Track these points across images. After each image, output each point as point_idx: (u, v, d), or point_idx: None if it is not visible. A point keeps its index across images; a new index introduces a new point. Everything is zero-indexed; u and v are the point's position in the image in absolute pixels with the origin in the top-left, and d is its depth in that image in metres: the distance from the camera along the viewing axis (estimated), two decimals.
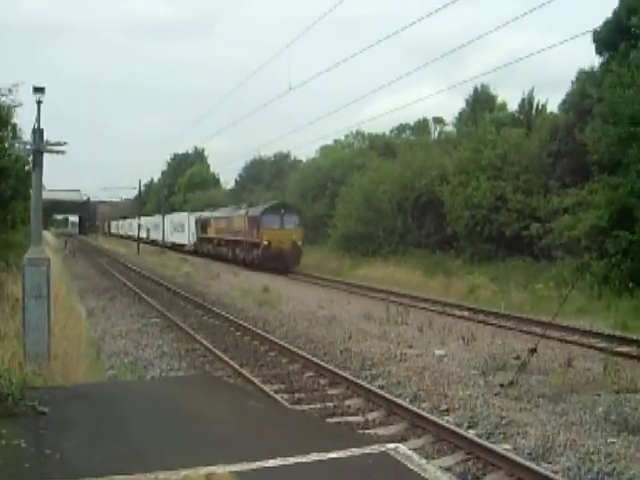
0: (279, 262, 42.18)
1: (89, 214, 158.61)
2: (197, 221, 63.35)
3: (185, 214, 71.17)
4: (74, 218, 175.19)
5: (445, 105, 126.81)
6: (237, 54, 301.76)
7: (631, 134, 26.28)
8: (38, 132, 13.12)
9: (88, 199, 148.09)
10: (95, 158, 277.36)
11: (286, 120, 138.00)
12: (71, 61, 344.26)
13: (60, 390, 9.34)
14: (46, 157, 13.26)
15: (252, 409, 7.15)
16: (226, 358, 16.17)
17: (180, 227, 71.43)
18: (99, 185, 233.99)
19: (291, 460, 4.52)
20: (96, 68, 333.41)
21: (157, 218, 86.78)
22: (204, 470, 4.46)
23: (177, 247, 71.07)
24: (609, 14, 33.45)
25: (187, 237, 67.44)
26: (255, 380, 14.00)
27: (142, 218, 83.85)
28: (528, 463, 9.05)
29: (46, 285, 12.32)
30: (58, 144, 13.47)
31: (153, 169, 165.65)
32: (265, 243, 42.76)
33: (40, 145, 13.03)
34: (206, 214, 61.67)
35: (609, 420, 11.22)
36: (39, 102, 13.38)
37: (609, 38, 33.31)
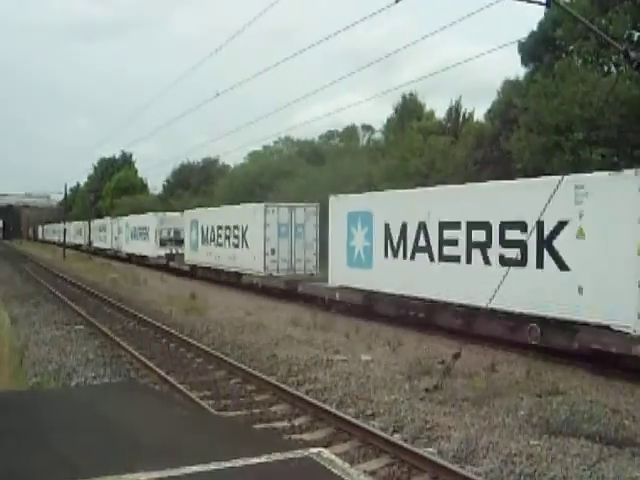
0: None
1: (14, 219, 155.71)
2: None
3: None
4: None
5: (376, 113, 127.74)
6: (167, 58, 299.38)
7: (555, 143, 26.86)
8: None
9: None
10: (18, 161, 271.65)
11: (215, 126, 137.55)
12: None
13: None
14: None
15: (178, 416, 7.09)
16: (152, 365, 16.03)
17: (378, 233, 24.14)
18: (23, 189, 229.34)
19: (214, 466, 4.51)
20: (19, 68, 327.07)
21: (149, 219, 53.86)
22: (125, 477, 4.42)
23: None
24: (535, 26, 34.19)
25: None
26: (181, 387, 13.92)
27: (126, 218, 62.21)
28: (452, 466, 9.17)
29: None
30: None
31: (79, 173, 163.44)
32: None
33: None
34: None
35: (531, 423, 11.43)
36: None
37: (534, 49, 34.02)
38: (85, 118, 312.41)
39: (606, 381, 14.52)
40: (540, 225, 15.91)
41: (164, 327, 21.53)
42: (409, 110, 55.11)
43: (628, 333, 14.07)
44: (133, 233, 57.57)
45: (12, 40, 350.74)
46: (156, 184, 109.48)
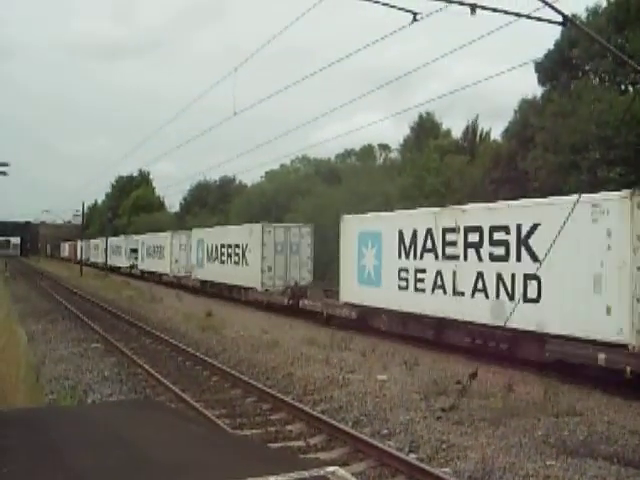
0: None
1: (31, 236, 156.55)
2: None
3: None
4: (15, 240, 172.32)
5: (392, 132, 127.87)
6: (185, 78, 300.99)
7: (572, 162, 26.79)
8: None
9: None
10: (36, 178, 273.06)
11: (232, 144, 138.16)
12: (16, 78, 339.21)
13: None
14: None
15: (193, 434, 7.05)
16: (168, 383, 16.03)
17: None
18: (40, 206, 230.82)
19: None
20: (41, 87, 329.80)
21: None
22: None
23: None
24: (551, 45, 34.24)
25: None
26: (197, 405, 13.91)
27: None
28: None
29: None
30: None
31: (97, 191, 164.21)
32: None
33: None
34: None
35: (548, 443, 11.35)
36: None
37: (551, 68, 34.03)
38: (105, 136, 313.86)
39: (624, 402, 14.41)
40: None
41: (180, 345, 21.55)
42: (425, 129, 55.14)
43: None
44: None
45: (35, 60, 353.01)
46: (173, 202, 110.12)
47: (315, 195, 50.49)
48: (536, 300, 17.18)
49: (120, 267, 71.47)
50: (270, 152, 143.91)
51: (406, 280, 22.27)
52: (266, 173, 76.55)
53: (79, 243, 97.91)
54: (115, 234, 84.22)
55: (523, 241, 17.71)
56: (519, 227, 17.89)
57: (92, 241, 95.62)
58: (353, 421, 12.93)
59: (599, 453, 10.73)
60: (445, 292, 20.60)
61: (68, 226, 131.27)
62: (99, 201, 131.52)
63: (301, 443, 11.69)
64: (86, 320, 28.38)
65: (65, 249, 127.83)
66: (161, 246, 54.80)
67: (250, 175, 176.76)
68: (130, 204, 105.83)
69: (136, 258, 65.03)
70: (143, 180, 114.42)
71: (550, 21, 13.26)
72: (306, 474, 4.76)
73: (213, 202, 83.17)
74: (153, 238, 58.80)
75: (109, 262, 74.04)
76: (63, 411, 10.08)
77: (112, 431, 6.83)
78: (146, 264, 60.71)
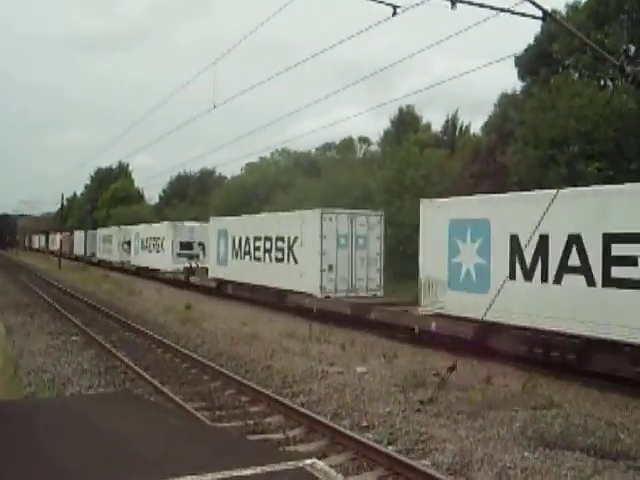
0: None
1: (9, 228, 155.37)
2: None
3: None
4: None
5: (373, 125, 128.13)
6: (173, 70, 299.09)
7: (551, 157, 26.92)
8: None
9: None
10: (13, 169, 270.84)
11: (212, 137, 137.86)
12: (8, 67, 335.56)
13: None
14: None
15: (173, 427, 7.04)
16: (147, 376, 16.00)
17: None
18: (17, 198, 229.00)
19: (209, 477, 4.49)
20: (30, 78, 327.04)
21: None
22: None
23: None
24: (531, 40, 34.41)
25: None
26: (176, 398, 13.89)
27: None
28: (446, 478, 9.16)
29: None
30: None
31: (76, 183, 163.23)
32: None
33: None
34: None
35: (526, 435, 11.42)
36: None
37: (531, 63, 34.19)
38: (84, 128, 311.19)
39: (601, 394, 14.53)
40: None
41: (159, 338, 21.50)
42: (406, 123, 55.22)
43: None
44: None
45: (14, 49, 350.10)
46: (153, 194, 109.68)
47: (295, 188, 50.47)
48: None
49: (158, 270, 49.10)
50: (251, 145, 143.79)
51: None
52: (246, 165, 76.48)
53: (76, 234, 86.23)
54: (94, 226, 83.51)
55: None
56: None
57: (100, 231, 73.43)
58: (332, 413, 12.95)
59: (576, 445, 10.80)
60: None
61: (47, 218, 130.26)
62: (78, 193, 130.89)
63: (280, 435, 11.70)
64: (65, 313, 28.25)
65: (56, 242, 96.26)
66: (280, 238, 29.69)
67: (230, 167, 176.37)
68: (109, 196, 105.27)
69: (191, 257, 45.15)
70: (122, 172, 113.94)
71: (531, 16, 13.33)
72: (284, 466, 4.78)
73: (193, 194, 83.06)
74: (251, 222, 34.13)
75: (133, 262, 56.88)
76: (43, 403, 10.05)
77: (91, 424, 6.81)
78: (235, 269, 34.61)
